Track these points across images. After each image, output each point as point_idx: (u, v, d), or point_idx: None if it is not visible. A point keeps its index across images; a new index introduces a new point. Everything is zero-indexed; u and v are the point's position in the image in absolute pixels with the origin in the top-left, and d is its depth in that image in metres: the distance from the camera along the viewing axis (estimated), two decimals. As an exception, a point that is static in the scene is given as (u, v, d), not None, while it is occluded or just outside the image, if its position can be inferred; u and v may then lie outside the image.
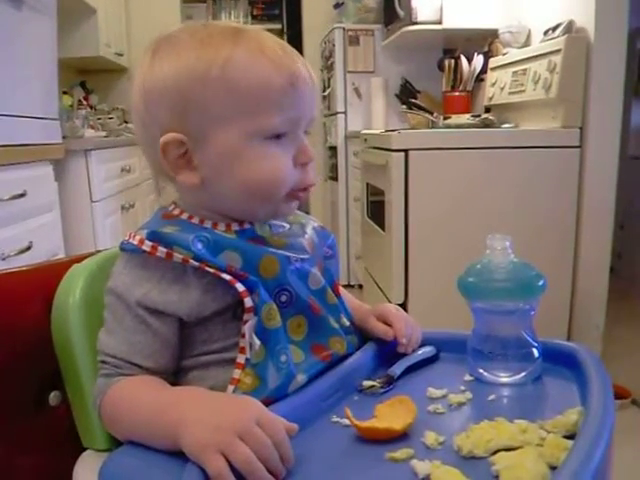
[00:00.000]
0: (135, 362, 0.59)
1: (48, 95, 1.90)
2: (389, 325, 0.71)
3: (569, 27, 2.01)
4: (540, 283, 0.62)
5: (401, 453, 0.48)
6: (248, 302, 0.58)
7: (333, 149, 3.36)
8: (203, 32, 0.60)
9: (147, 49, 0.63)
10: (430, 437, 0.51)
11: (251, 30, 0.62)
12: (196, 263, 0.57)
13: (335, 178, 3.35)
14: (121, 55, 3.63)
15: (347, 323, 0.69)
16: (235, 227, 0.63)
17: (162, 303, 0.59)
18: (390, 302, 2.15)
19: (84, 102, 3.20)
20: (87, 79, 3.57)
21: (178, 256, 0.58)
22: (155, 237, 0.59)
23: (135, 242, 0.60)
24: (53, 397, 0.66)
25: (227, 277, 0.58)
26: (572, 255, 2.06)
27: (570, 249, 2.06)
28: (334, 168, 3.36)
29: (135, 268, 0.60)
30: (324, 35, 3.51)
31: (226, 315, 0.60)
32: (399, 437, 0.51)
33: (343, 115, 3.24)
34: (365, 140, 2.49)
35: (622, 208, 3.34)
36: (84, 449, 0.63)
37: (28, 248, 1.62)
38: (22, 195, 1.61)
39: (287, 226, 0.67)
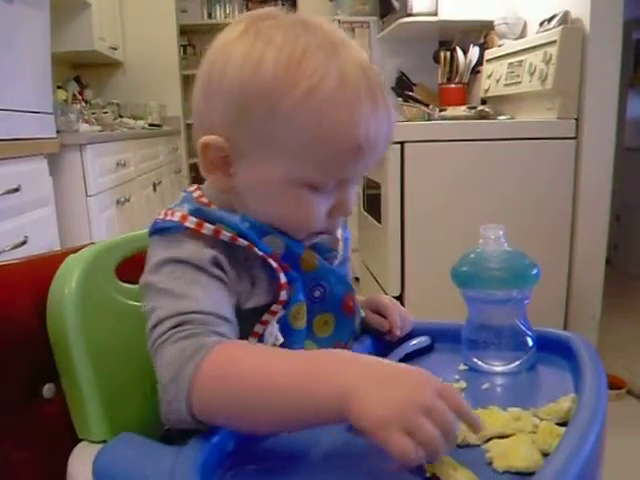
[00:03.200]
0: (225, 316, 0.52)
1: (42, 89, 1.89)
2: (383, 317, 0.71)
3: (564, 18, 2.00)
4: (534, 272, 0.62)
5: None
6: (283, 295, 0.56)
7: (329, 142, 3.35)
8: (296, 40, 0.53)
9: (237, 25, 0.56)
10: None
11: (346, 49, 0.55)
12: (245, 242, 0.54)
13: (331, 171, 3.34)
14: (115, 49, 3.61)
15: (363, 315, 0.70)
16: None
17: (228, 270, 0.54)
18: (387, 294, 2.14)
19: (79, 97, 3.18)
20: (82, 74, 3.55)
21: (226, 234, 0.54)
22: (200, 214, 0.55)
23: (176, 219, 0.55)
24: (47, 390, 0.66)
25: (274, 264, 0.56)
26: (568, 246, 2.07)
27: (566, 240, 2.06)
28: (330, 161, 3.35)
29: (188, 239, 0.54)
30: (320, 28, 3.50)
31: (259, 315, 0.57)
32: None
33: (339, 108, 3.24)
34: (361, 133, 2.48)
35: (618, 199, 3.35)
36: (80, 441, 0.63)
37: (23, 243, 1.61)
38: (16, 190, 1.61)
39: None
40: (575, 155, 2.00)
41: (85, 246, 0.71)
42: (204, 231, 0.54)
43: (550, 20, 2.06)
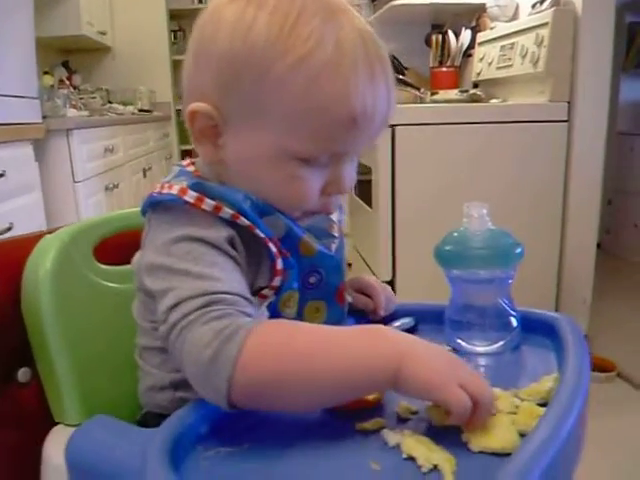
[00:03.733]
0: (249, 297, 0.51)
1: (26, 74, 1.86)
2: (368, 296, 0.70)
3: (556, 0, 1.98)
4: (517, 251, 0.61)
5: (372, 423, 0.47)
6: (277, 281, 0.55)
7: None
8: (292, 6, 0.50)
9: None
10: (402, 407, 0.50)
11: (345, 14, 0.52)
12: (247, 222, 0.51)
13: (323, 157, 3.32)
14: (104, 34, 3.56)
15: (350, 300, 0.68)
16: None
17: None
18: (378, 279, 2.14)
19: (67, 82, 3.14)
20: (70, 59, 3.51)
21: (228, 211, 0.51)
22: (201, 188, 0.52)
23: (174, 192, 0.52)
24: (22, 373, 0.65)
25: (274, 248, 0.53)
26: (559, 229, 2.06)
27: (557, 224, 2.05)
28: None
29: (196, 216, 0.51)
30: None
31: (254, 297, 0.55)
32: (371, 408, 0.50)
33: (331, 93, 3.21)
34: (352, 117, 2.46)
35: (610, 184, 3.35)
36: (56, 425, 0.62)
37: (9, 229, 1.59)
38: (1, 175, 1.58)
39: None
40: (567, 138, 1.99)
41: (62, 227, 0.69)
42: (204, 207, 0.51)
43: (542, 2, 2.04)
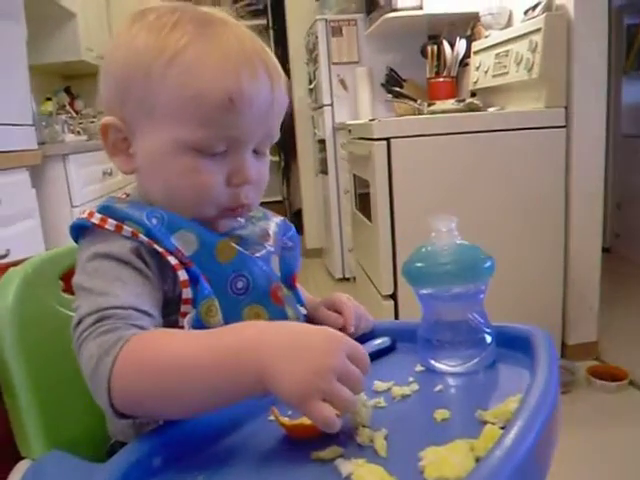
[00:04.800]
0: (146, 310, 0.52)
1: (21, 102, 1.88)
2: (340, 314, 0.69)
3: (549, 5, 1.97)
4: (487, 264, 0.59)
5: (328, 452, 0.45)
6: (187, 293, 0.55)
7: (322, 142, 3.33)
8: (170, 17, 0.57)
9: (128, 17, 0.60)
10: (363, 434, 0.48)
11: (224, 24, 0.58)
12: (145, 238, 0.54)
13: (326, 172, 3.32)
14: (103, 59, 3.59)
15: (304, 312, 0.68)
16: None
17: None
18: (380, 294, 2.12)
19: (69, 107, 3.17)
20: (72, 84, 3.54)
21: (127, 229, 0.55)
22: (106, 211, 0.56)
23: (84, 216, 0.57)
24: (-9, 406, 0.64)
25: (173, 261, 0.55)
26: (563, 237, 2.03)
27: (560, 230, 2.02)
28: (324, 161, 3.33)
29: (109, 234, 0.55)
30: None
31: (174, 306, 0.56)
32: (331, 435, 0.48)
33: (330, 107, 3.21)
34: (349, 131, 2.46)
35: (619, 188, 3.30)
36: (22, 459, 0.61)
37: (5, 255, 1.60)
38: (-4, 203, 1.59)
39: (242, 221, 0.65)
40: (566, 144, 1.96)
41: (27, 259, 0.69)
42: (107, 226, 0.55)
43: (534, 8, 2.03)
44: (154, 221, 0.55)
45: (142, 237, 0.54)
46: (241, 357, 0.46)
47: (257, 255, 0.61)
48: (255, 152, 0.60)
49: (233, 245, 0.59)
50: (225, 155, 0.58)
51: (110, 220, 0.55)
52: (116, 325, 0.49)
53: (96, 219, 0.56)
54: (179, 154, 0.56)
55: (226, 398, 0.47)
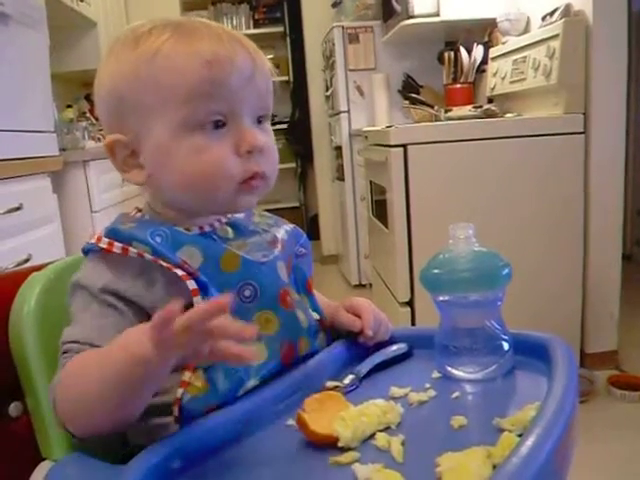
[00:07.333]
0: (101, 345, 0.54)
1: (43, 109, 1.91)
2: (359, 317, 0.69)
3: (567, 11, 1.96)
4: (505, 272, 0.59)
5: (345, 457, 0.46)
6: (197, 302, 0.56)
7: (339, 149, 3.33)
8: (145, 27, 0.60)
9: (105, 49, 0.64)
10: (381, 438, 0.48)
11: (194, 21, 0.61)
12: (150, 257, 0.56)
13: (342, 178, 3.32)
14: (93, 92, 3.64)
15: (317, 317, 0.68)
16: (195, 230, 0.62)
17: (127, 291, 0.57)
18: (397, 301, 2.12)
19: (89, 114, 3.21)
20: (92, 92, 3.58)
21: (133, 250, 0.57)
22: (112, 234, 0.59)
23: (93, 240, 0.60)
24: (13, 408, 0.65)
25: (180, 272, 0.56)
26: (582, 244, 2.01)
27: (579, 237, 2.00)
28: (340, 168, 3.33)
29: (98, 262, 0.59)
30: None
31: None
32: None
33: (346, 114, 3.22)
34: (366, 137, 2.46)
35: (639, 194, 3.26)
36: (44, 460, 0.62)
37: (27, 260, 1.62)
38: (18, 208, 1.62)
39: (251, 228, 0.66)
40: (585, 150, 1.94)
41: (50, 263, 0.70)
42: (114, 250, 0.58)
43: (552, 14, 2.02)
44: (158, 239, 0.57)
45: (147, 256, 0.57)
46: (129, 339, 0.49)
47: (263, 261, 0.62)
48: (257, 122, 0.62)
49: (238, 254, 0.60)
50: (227, 129, 0.59)
51: (116, 243, 0.58)
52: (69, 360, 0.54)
53: (104, 243, 0.59)
54: (182, 137, 0.58)
55: (133, 384, 0.49)
